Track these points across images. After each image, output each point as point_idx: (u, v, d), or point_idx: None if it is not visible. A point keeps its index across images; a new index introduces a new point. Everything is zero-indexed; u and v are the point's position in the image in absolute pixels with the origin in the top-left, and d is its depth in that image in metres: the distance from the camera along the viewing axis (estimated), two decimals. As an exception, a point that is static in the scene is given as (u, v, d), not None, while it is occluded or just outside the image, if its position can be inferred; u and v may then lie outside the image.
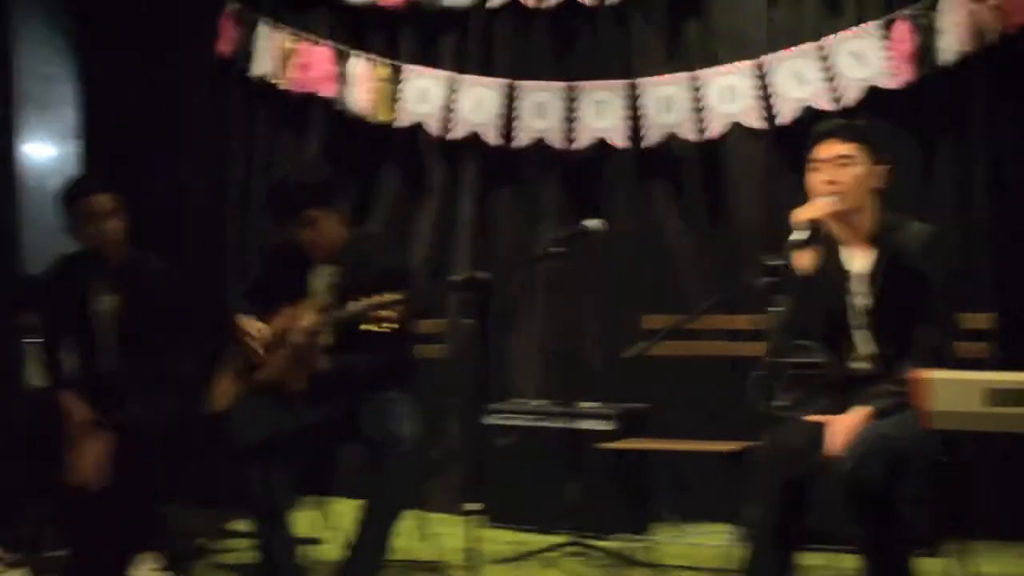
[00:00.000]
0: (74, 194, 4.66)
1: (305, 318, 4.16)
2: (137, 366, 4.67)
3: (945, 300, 3.74)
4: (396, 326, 3.81)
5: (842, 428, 3.62)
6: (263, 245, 6.07)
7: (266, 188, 4.45)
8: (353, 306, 3.87)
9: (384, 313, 3.80)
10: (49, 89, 7.53)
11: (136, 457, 4.48)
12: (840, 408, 3.71)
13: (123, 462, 4.54)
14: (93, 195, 4.63)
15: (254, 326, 4.44)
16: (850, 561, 4.31)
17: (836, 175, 3.74)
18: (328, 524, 4.90)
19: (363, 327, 3.82)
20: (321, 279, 4.44)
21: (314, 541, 4.86)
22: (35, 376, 5.14)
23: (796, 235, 3.51)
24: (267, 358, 4.35)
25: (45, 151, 7.59)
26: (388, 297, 3.81)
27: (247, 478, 4.23)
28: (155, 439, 4.49)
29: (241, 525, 5.02)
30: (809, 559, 4.66)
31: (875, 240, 3.81)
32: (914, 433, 3.41)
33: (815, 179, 3.79)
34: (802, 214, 3.60)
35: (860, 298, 3.80)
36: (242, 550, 5.06)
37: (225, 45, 6.25)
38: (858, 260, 3.82)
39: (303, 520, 4.94)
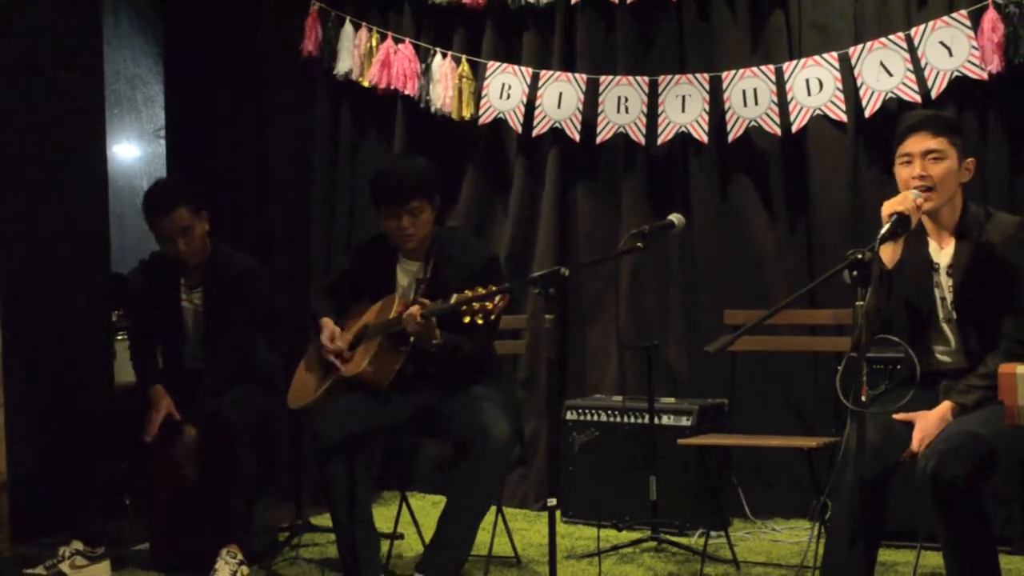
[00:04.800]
0: (150, 212, 4.73)
1: (418, 305, 4.11)
2: (222, 361, 4.73)
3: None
4: (492, 316, 3.80)
5: (927, 424, 3.57)
6: (352, 243, 6.12)
7: (373, 177, 4.41)
8: (458, 298, 3.84)
9: (489, 305, 3.78)
10: (136, 90, 7.67)
11: (220, 451, 4.54)
12: (926, 403, 3.65)
13: (207, 456, 4.61)
14: (168, 213, 4.69)
15: (334, 328, 4.44)
16: (932, 558, 4.25)
17: (927, 169, 3.67)
18: (408, 519, 4.91)
19: (465, 318, 3.79)
20: (407, 274, 4.45)
21: (394, 536, 4.87)
22: (125, 372, 5.23)
23: (885, 228, 3.43)
24: (351, 354, 4.36)
25: (133, 151, 7.73)
26: (493, 289, 3.79)
27: (330, 473, 4.23)
28: (239, 433, 4.54)
29: (322, 519, 5.06)
30: (890, 556, 4.62)
31: (962, 232, 3.73)
32: (1001, 429, 3.34)
33: (905, 173, 3.71)
34: (892, 207, 3.52)
35: (947, 291, 3.73)
36: (323, 544, 5.11)
37: (309, 44, 6.29)
38: (945, 253, 3.75)
39: (383, 515, 4.97)
